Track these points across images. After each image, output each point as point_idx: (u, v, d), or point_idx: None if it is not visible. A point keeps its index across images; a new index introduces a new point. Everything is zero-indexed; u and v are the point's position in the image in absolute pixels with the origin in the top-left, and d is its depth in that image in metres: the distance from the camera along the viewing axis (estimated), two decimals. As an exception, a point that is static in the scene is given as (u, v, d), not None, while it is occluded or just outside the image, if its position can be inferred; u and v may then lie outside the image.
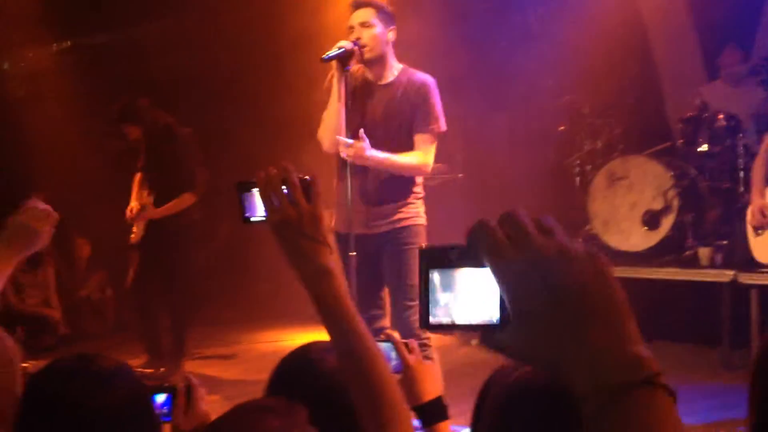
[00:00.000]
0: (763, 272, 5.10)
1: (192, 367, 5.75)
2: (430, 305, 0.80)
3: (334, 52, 3.97)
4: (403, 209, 4.11)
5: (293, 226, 1.46)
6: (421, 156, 4.06)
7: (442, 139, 4.21)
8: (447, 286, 0.80)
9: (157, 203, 5.66)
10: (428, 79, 4.12)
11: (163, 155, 5.69)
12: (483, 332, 0.77)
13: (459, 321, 0.79)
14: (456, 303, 0.79)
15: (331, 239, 1.54)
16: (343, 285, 1.47)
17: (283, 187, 1.48)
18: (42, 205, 1.96)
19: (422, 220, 4.16)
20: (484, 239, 0.74)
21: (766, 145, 4.77)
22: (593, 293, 0.70)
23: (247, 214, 1.58)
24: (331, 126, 4.06)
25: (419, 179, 4.19)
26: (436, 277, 0.80)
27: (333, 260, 1.48)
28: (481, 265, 0.76)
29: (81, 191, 7.19)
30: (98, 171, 7.23)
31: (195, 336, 6.26)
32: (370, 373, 1.43)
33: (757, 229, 4.63)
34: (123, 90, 6.19)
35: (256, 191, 1.54)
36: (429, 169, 4.13)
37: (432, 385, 1.89)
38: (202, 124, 6.42)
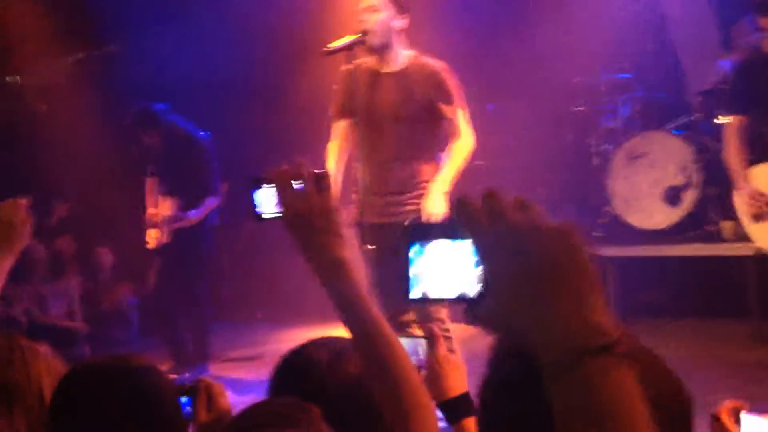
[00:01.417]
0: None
1: (218, 370, 5.78)
2: (411, 280, 0.81)
3: (337, 44, 3.94)
4: (412, 199, 4.03)
5: (306, 220, 1.46)
6: (462, 140, 4.01)
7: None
8: (428, 261, 0.81)
9: (182, 209, 5.66)
10: (438, 64, 4.05)
11: (184, 160, 5.69)
12: (463, 304, 0.80)
13: (439, 295, 0.81)
14: (436, 276, 0.81)
15: (348, 232, 1.53)
16: (359, 277, 1.47)
17: (295, 182, 1.48)
18: (11, 201, 1.96)
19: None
20: (465, 213, 0.77)
21: (734, 129, 4.52)
22: (562, 266, 0.74)
23: (258, 211, 1.57)
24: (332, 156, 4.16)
25: (432, 167, 4.08)
26: (417, 252, 0.82)
27: (348, 252, 1.48)
28: (462, 238, 0.79)
29: (102, 200, 7.25)
30: (118, 180, 7.28)
31: (220, 339, 6.28)
32: (389, 364, 1.42)
33: (756, 216, 4.39)
34: (139, 96, 6.21)
35: (267, 188, 1.54)
36: (475, 142, 4.09)
37: (458, 381, 1.88)
38: (217, 125, 6.44)
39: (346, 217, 4.08)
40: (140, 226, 5.83)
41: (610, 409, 0.70)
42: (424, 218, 3.92)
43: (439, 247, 0.81)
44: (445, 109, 3.98)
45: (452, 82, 4.01)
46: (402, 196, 4.04)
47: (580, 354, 0.71)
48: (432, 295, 0.81)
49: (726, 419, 1.56)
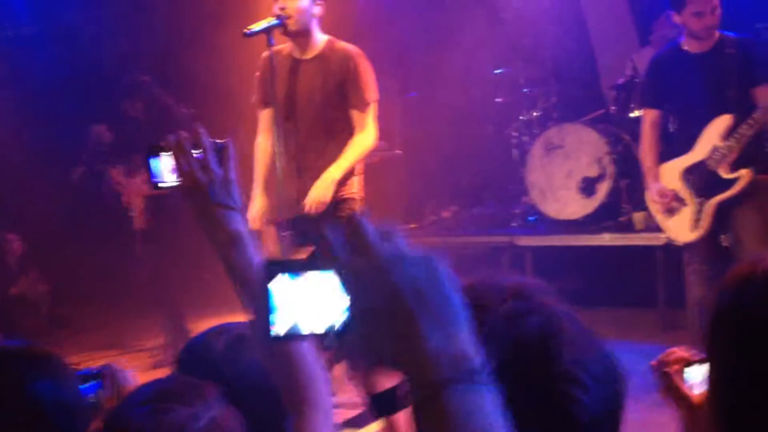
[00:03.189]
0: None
1: (131, 359, 5.66)
2: (273, 317, 0.79)
3: (257, 27, 3.90)
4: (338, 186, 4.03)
5: (204, 191, 1.43)
6: (364, 135, 4.02)
7: (379, 115, 4.14)
8: (292, 295, 0.79)
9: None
10: (353, 49, 4.05)
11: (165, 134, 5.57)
12: (330, 338, 0.79)
13: (304, 330, 0.79)
14: (301, 311, 0.79)
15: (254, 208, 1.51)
16: (254, 250, 1.44)
17: (195, 151, 1.45)
18: None
19: (357, 194, 4.09)
20: (327, 246, 0.77)
21: (649, 123, 4.47)
22: (426, 295, 0.74)
23: (155, 180, 1.52)
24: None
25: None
26: (279, 287, 0.79)
27: (244, 227, 1.46)
28: (326, 269, 0.78)
29: (9, 186, 7.01)
30: (27, 165, 7.05)
31: (134, 327, 6.14)
32: (284, 347, 1.40)
33: (666, 212, 4.44)
34: (56, 77, 6.04)
35: (165, 156, 1.49)
36: (377, 140, 4.09)
37: (387, 374, 1.87)
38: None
39: (260, 211, 4.06)
40: (54, 214, 5.68)
41: None
42: (306, 205, 3.95)
43: (305, 280, 0.79)
44: (353, 116, 3.99)
45: (365, 70, 4.01)
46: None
47: (446, 382, 0.72)
48: (301, 330, 0.79)
49: (674, 374, 1.58)
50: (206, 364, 1.61)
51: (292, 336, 0.80)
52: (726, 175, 4.26)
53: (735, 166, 4.25)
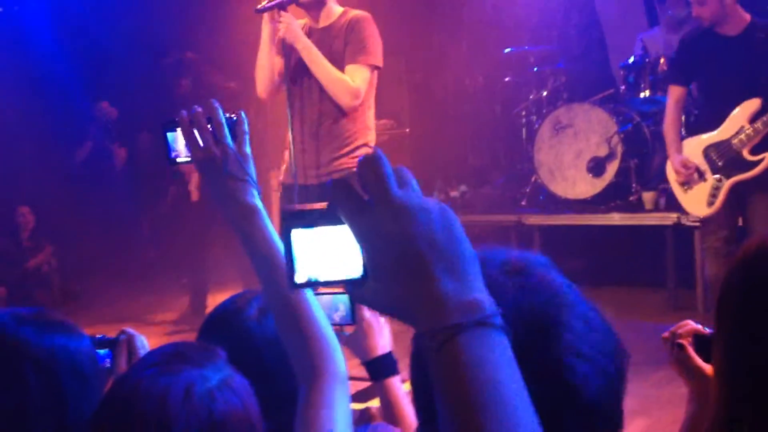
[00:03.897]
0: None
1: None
2: (295, 265, 0.80)
3: (268, 2, 3.87)
4: (343, 159, 3.97)
5: (218, 165, 1.44)
6: (348, 78, 3.88)
7: (388, 93, 4.08)
8: (311, 246, 0.80)
9: None
10: (362, 14, 3.98)
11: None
12: (348, 287, 0.80)
13: (323, 278, 0.81)
14: (320, 261, 0.80)
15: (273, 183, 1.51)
16: (269, 223, 1.45)
17: (209, 125, 1.46)
18: None
19: None
20: (341, 197, 0.77)
21: (675, 99, 4.60)
22: (439, 242, 0.75)
23: (172, 155, 1.53)
24: (262, 69, 3.98)
25: (362, 126, 4.00)
26: (299, 236, 0.80)
27: (259, 199, 1.47)
28: (342, 223, 0.78)
29: (22, 161, 7.04)
30: (39, 140, 7.08)
31: (144, 302, 6.18)
32: (298, 317, 1.41)
33: (684, 184, 4.57)
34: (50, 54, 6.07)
35: (181, 131, 1.50)
36: (357, 94, 3.89)
37: (383, 340, 1.89)
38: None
39: (275, 178, 4.02)
40: (65, 188, 5.74)
41: (481, 381, 0.71)
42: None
43: (323, 231, 0.80)
44: (347, 69, 3.90)
45: (369, 34, 3.93)
46: (332, 155, 3.99)
47: (459, 328, 0.72)
48: (321, 279, 0.80)
49: (688, 346, 1.58)
50: (238, 330, 1.61)
51: (313, 284, 0.81)
52: (749, 156, 4.38)
53: (758, 150, 4.36)
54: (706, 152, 4.50)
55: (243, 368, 1.30)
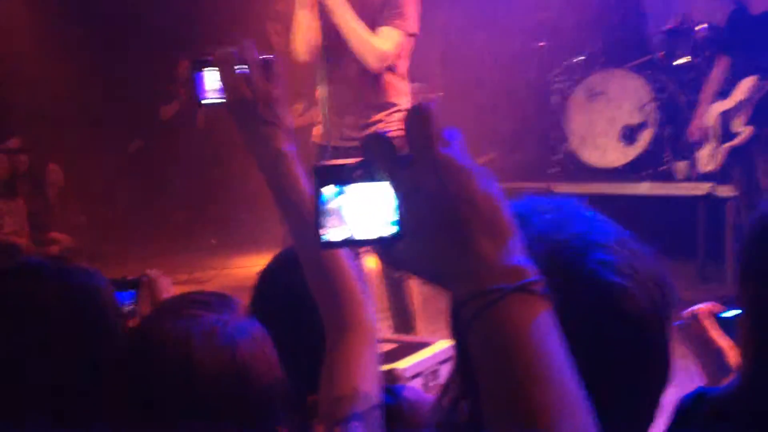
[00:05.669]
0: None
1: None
2: (325, 222, 0.77)
3: None
4: (375, 121, 3.87)
5: (250, 107, 1.39)
6: (377, 39, 3.77)
7: (418, 54, 3.98)
8: (342, 203, 0.77)
9: None
10: None
11: None
12: (379, 247, 0.77)
13: (355, 236, 0.78)
14: (351, 219, 0.77)
15: (288, 122, 1.46)
16: (300, 170, 1.41)
17: (241, 66, 1.40)
18: None
19: (396, 134, 3.93)
20: (381, 152, 0.75)
21: (720, 68, 5.07)
22: (482, 207, 0.72)
23: (201, 96, 1.47)
24: (300, 33, 3.88)
25: (395, 90, 3.90)
26: (331, 193, 0.77)
27: (291, 146, 1.42)
28: (377, 179, 0.75)
29: (55, 120, 7.10)
30: (72, 103, 7.13)
31: (173, 261, 6.24)
32: (327, 267, 1.38)
33: (696, 144, 5.13)
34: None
35: (210, 71, 1.44)
36: (384, 57, 3.79)
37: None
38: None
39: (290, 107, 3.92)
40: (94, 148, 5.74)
41: (523, 348, 0.68)
42: None
43: (355, 188, 0.77)
44: (378, 31, 3.79)
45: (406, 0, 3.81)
46: (367, 118, 3.90)
47: (500, 293, 0.69)
48: (353, 237, 0.77)
49: (706, 321, 1.60)
50: (290, 290, 1.57)
51: (343, 243, 0.78)
52: (737, 128, 4.96)
53: (752, 120, 4.90)
54: (720, 118, 5.02)
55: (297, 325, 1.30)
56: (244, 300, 1.72)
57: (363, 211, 0.77)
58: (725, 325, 1.58)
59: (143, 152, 8.07)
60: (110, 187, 7.58)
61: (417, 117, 0.74)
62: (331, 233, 0.77)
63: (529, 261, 0.72)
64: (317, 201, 0.77)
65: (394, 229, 0.75)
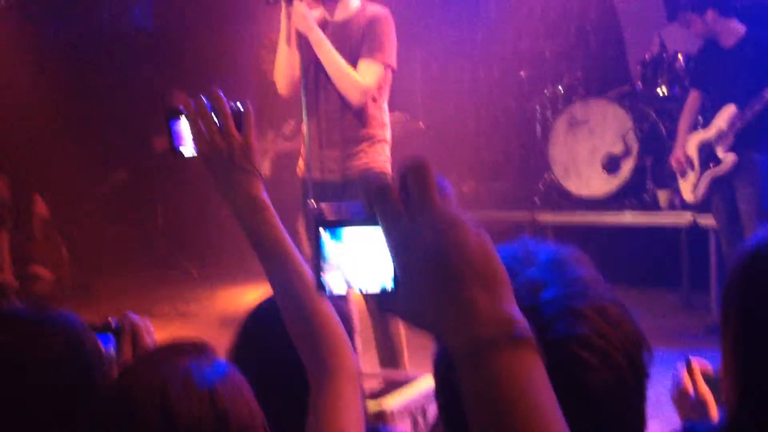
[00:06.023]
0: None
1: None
2: (325, 272, 0.78)
3: None
4: (357, 152, 3.89)
5: (224, 157, 1.40)
6: (359, 73, 3.81)
7: (402, 86, 3.99)
8: (339, 247, 0.78)
9: None
10: (381, 11, 3.89)
11: None
12: (378, 298, 0.78)
13: (356, 288, 0.79)
14: (349, 264, 0.78)
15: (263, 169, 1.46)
16: (276, 218, 1.42)
17: (214, 115, 1.41)
18: None
19: (379, 166, 3.88)
20: (380, 201, 0.75)
21: (692, 100, 5.14)
22: (475, 260, 0.74)
23: (177, 144, 1.47)
24: (281, 68, 3.93)
25: (376, 121, 3.92)
26: (329, 241, 0.78)
27: (265, 192, 1.43)
28: (375, 224, 0.76)
29: (40, 151, 7.07)
30: (57, 134, 7.10)
31: (154, 292, 6.18)
32: (307, 311, 1.38)
33: (681, 173, 5.12)
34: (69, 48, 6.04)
35: (185, 119, 1.45)
36: (366, 91, 3.81)
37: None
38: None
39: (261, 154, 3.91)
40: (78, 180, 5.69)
41: (517, 398, 0.69)
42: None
43: (354, 233, 0.78)
44: (359, 64, 3.83)
45: (384, 31, 3.84)
46: (348, 149, 3.91)
47: (493, 343, 0.71)
48: (352, 286, 0.78)
49: (698, 377, 1.59)
50: (275, 330, 1.56)
51: (343, 291, 0.79)
52: (721, 154, 4.94)
53: (734, 147, 4.86)
54: (699, 147, 5.02)
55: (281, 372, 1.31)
56: (227, 335, 1.71)
57: (361, 255, 0.77)
58: (712, 383, 1.58)
59: (128, 183, 8.02)
60: (93, 219, 7.52)
61: (415, 171, 0.74)
62: (333, 284, 0.78)
63: (520, 315, 0.73)
64: (317, 251, 0.78)
65: (391, 282, 0.76)
